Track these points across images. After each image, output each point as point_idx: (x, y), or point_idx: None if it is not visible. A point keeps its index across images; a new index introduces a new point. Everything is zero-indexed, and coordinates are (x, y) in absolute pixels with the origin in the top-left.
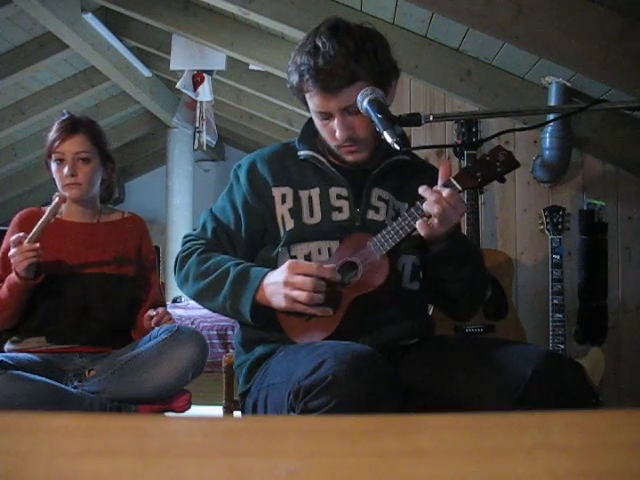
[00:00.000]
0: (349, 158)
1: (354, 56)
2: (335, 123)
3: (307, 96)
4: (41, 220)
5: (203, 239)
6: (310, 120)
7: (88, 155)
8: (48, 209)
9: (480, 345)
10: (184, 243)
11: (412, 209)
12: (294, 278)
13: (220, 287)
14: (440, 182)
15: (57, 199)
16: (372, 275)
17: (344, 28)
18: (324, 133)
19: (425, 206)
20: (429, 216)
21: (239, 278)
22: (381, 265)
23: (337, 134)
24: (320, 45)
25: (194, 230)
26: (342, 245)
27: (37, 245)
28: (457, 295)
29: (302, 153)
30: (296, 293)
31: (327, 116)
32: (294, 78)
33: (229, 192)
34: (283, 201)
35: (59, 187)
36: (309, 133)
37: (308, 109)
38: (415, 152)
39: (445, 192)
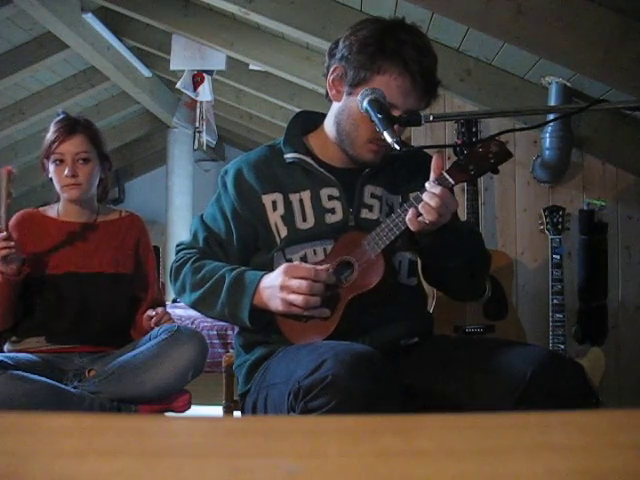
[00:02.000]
0: (369, 156)
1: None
2: None
3: (385, 81)
4: None
5: (195, 248)
6: (293, 121)
7: (88, 155)
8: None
9: (480, 345)
10: (177, 252)
11: (405, 205)
12: (290, 282)
13: (217, 295)
14: (432, 176)
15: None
16: (368, 274)
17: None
18: (364, 121)
19: (420, 208)
20: (419, 214)
21: (235, 284)
22: (376, 264)
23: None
24: (422, 45)
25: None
26: (337, 244)
27: (5, 235)
28: (455, 279)
29: (288, 156)
30: (292, 297)
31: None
32: (392, 63)
33: (218, 200)
34: (274, 208)
35: (58, 188)
36: (295, 133)
37: (349, 90)
38: None
39: (437, 191)
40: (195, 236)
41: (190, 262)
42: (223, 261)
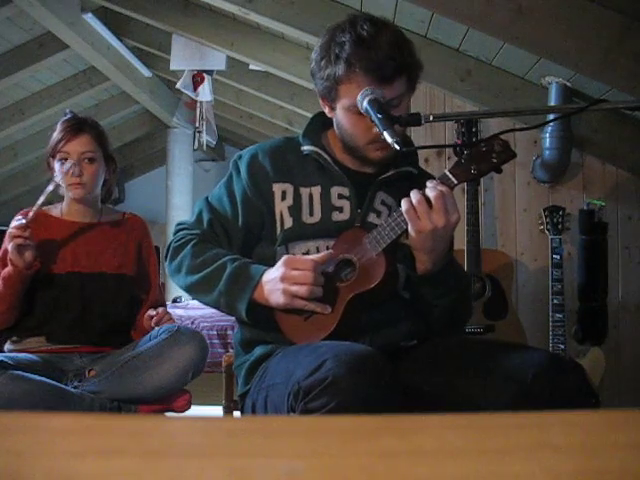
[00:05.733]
0: (376, 155)
1: (399, 48)
2: None
3: (347, 88)
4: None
5: (198, 229)
6: (315, 117)
7: (93, 155)
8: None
9: (481, 347)
10: (177, 231)
11: None
12: (292, 272)
13: (216, 282)
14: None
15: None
16: (369, 273)
17: (380, 20)
18: (356, 129)
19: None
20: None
21: (236, 275)
22: (377, 263)
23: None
24: (366, 35)
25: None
26: (338, 241)
27: (26, 229)
28: (434, 319)
29: (306, 148)
30: (295, 288)
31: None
32: (339, 68)
33: (228, 182)
34: (283, 198)
35: (63, 187)
36: (314, 129)
37: (331, 105)
38: (416, 153)
39: (440, 188)
40: (199, 217)
41: (191, 244)
42: (225, 245)
